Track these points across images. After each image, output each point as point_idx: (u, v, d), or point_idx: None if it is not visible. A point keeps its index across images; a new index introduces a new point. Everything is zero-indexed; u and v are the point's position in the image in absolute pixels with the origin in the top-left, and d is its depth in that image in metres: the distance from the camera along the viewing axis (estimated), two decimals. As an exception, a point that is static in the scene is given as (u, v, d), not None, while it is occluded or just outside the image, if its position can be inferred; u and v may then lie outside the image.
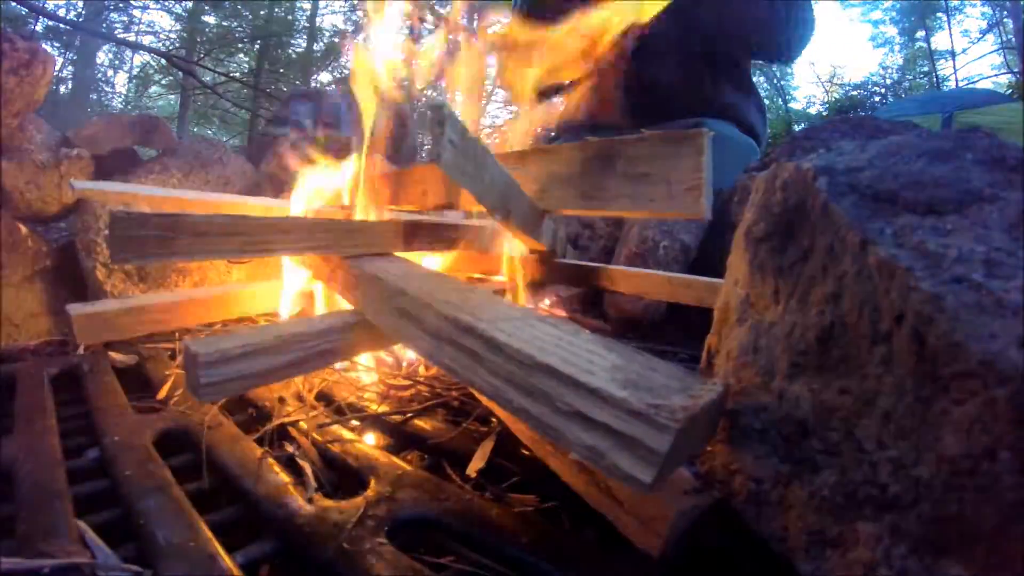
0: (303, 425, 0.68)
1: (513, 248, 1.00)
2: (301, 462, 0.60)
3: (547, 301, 1.14)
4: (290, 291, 1.00)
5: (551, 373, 0.40)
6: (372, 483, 0.55)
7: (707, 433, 0.43)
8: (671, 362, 0.44)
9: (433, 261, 1.03)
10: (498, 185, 0.71)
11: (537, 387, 0.41)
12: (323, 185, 1.03)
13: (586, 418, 0.38)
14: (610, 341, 0.47)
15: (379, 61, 0.98)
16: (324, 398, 0.78)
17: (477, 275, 1.11)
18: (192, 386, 0.54)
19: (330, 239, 0.73)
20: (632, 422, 0.35)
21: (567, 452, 0.42)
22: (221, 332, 1.00)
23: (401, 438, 0.69)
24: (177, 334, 1.00)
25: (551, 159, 0.83)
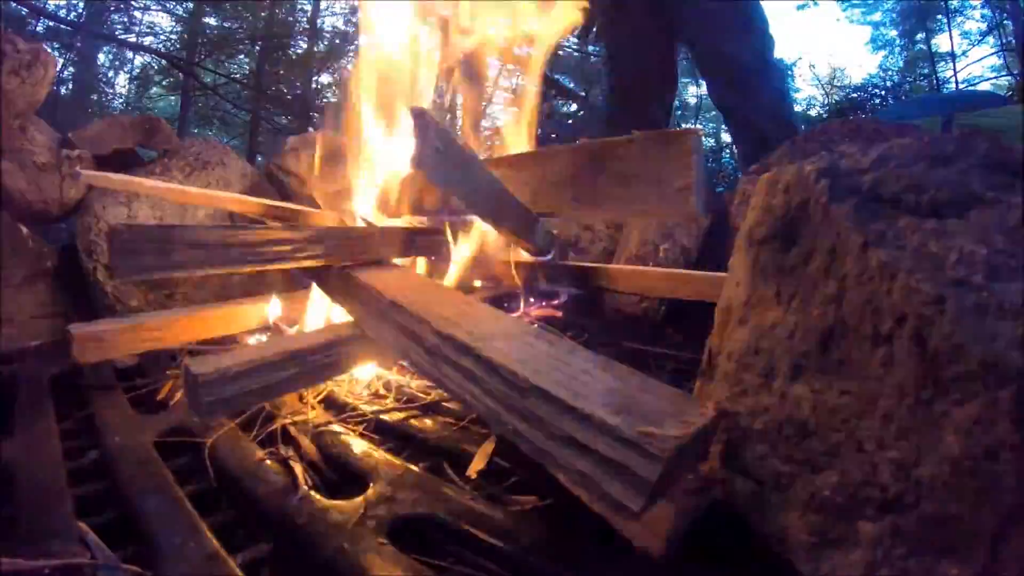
0: (304, 426, 0.68)
1: (509, 252, 1.00)
2: (301, 463, 0.60)
3: (546, 305, 1.14)
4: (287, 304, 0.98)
5: (545, 397, 0.40)
6: (372, 483, 0.55)
7: (698, 456, 0.43)
8: (668, 368, 0.44)
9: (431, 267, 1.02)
10: (486, 190, 0.71)
11: (531, 411, 0.41)
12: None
13: (578, 444, 0.38)
14: (606, 360, 0.46)
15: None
16: (325, 399, 0.78)
17: (476, 282, 1.10)
18: (193, 404, 0.54)
19: (328, 248, 0.73)
20: (623, 450, 0.35)
21: (560, 475, 0.42)
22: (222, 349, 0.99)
23: (401, 438, 0.69)
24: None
25: (543, 163, 0.82)
